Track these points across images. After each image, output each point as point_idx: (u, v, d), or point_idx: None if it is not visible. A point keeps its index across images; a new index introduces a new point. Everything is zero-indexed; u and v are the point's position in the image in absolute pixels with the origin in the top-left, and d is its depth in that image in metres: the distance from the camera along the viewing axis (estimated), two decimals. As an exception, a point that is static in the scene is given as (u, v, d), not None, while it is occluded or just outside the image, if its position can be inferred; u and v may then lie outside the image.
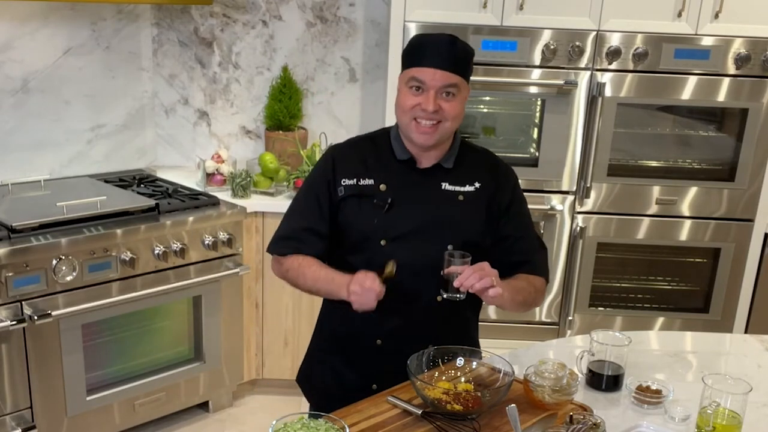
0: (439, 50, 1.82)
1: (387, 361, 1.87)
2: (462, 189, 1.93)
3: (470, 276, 1.73)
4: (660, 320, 3.47)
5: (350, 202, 1.91)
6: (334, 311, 1.98)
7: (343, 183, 1.91)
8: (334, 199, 1.92)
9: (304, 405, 2.17)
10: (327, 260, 1.95)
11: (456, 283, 1.75)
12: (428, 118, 1.83)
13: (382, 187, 1.90)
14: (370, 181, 1.91)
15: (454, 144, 1.95)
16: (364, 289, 1.74)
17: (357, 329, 1.94)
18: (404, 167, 1.93)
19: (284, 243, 1.97)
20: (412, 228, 1.88)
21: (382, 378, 1.86)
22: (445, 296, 1.82)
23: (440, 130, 1.85)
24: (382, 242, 1.88)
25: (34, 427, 2.70)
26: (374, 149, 1.97)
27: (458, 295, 1.79)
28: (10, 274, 2.54)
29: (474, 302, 1.95)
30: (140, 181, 3.33)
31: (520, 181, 1.99)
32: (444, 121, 1.84)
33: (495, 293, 1.73)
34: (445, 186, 1.92)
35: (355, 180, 1.91)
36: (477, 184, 1.94)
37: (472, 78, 3.17)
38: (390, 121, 3.18)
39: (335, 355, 2.02)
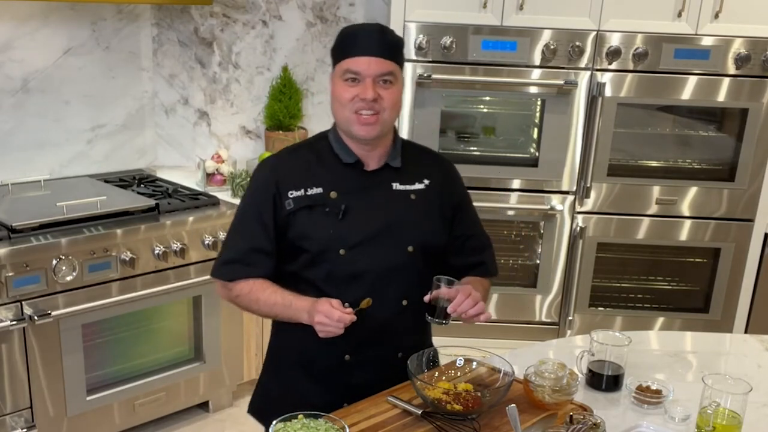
0: (370, 38, 1.78)
1: (357, 375, 1.83)
2: (412, 188, 1.88)
3: (463, 302, 1.74)
4: (660, 320, 3.47)
5: (301, 215, 1.81)
6: (294, 332, 1.86)
7: (290, 195, 1.81)
8: (281, 214, 1.81)
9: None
10: (279, 279, 1.86)
11: (450, 310, 1.74)
12: (369, 107, 1.76)
13: (333, 194, 1.81)
14: (319, 190, 1.81)
15: (397, 141, 1.90)
16: (332, 321, 1.67)
17: (322, 347, 1.82)
18: (351, 171, 1.84)
19: (230, 267, 1.86)
20: (369, 233, 1.81)
21: (353, 394, 1.78)
22: (428, 320, 1.80)
23: (381, 120, 1.78)
24: (341, 251, 1.79)
25: (34, 427, 2.70)
26: (316, 156, 1.87)
27: (444, 321, 1.78)
28: (10, 274, 2.53)
29: (426, 304, 1.91)
30: (140, 181, 3.33)
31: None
32: (383, 111, 1.78)
33: (486, 318, 1.77)
34: (396, 186, 1.87)
35: (302, 191, 1.81)
36: (426, 182, 1.90)
37: (472, 78, 3.18)
38: (390, 121, 3.18)
39: (298, 379, 1.90)
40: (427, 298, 1.80)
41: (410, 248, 1.84)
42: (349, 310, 1.69)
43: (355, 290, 1.78)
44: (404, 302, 1.85)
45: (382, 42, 1.78)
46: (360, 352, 1.84)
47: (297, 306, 1.76)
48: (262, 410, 1.98)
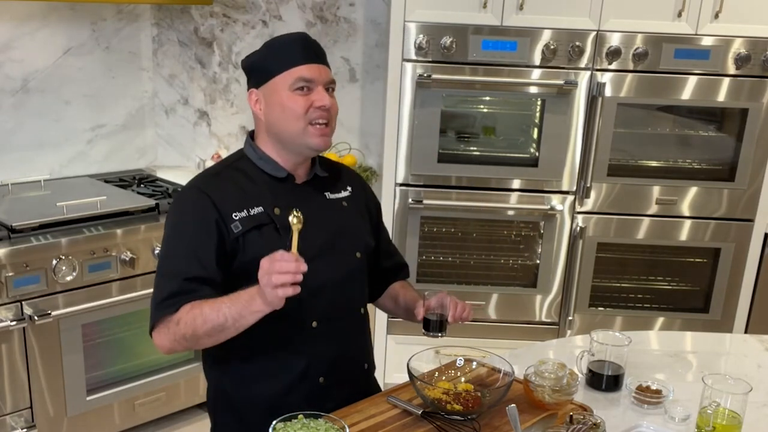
0: (310, 47, 1.75)
1: (329, 398, 1.76)
2: (341, 195, 1.88)
3: (458, 309, 1.82)
4: (660, 320, 3.47)
5: (250, 236, 1.69)
6: (259, 373, 1.75)
7: (235, 217, 1.69)
8: (227, 239, 1.68)
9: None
10: None
11: (451, 320, 1.81)
12: (324, 116, 1.72)
13: (276, 210, 1.73)
14: (260, 209, 1.72)
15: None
16: (284, 264, 1.49)
17: (295, 378, 1.75)
18: (285, 185, 1.78)
19: (170, 302, 1.65)
20: (321, 245, 1.76)
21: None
22: (426, 335, 1.84)
23: (331, 128, 1.76)
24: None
25: (34, 427, 2.70)
26: (242, 175, 1.77)
27: (441, 333, 1.83)
28: (10, 274, 2.54)
29: (367, 313, 1.95)
30: (140, 181, 3.33)
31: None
32: (331, 120, 1.75)
33: (471, 314, 1.85)
34: (329, 195, 1.86)
35: (245, 212, 1.71)
36: (349, 188, 1.91)
37: (472, 78, 3.19)
38: (391, 121, 3.18)
39: (269, 417, 1.56)
40: (420, 314, 1.83)
41: (358, 254, 1.86)
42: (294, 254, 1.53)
43: (317, 303, 1.74)
44: (362, 311, 1.88)
45: (319, 50, 1.78)
46: (334, 371, 1.80)
47: (244, 297, 1.58)
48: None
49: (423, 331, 1.83)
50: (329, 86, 1.76)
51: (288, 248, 1.55)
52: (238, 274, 1.70)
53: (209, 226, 1.68)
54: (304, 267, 1.52)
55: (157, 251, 2.87)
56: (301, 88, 1.72)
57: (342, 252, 1.82)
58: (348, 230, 1.85)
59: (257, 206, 1.73)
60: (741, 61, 3.11)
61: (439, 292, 1.84)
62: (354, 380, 1.87)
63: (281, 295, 1.51)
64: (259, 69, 1.76)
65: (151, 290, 2.87)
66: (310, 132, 1.72)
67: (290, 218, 1.59)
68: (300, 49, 1.73)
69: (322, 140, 1.74)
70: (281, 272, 1.50)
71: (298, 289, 1.52)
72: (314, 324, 1.73)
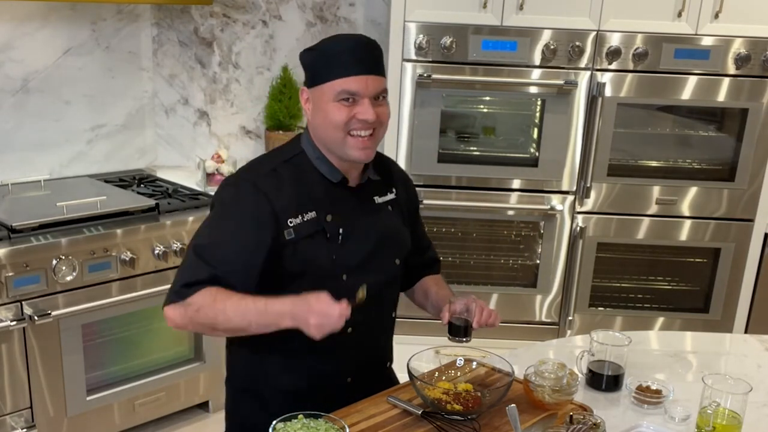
0: (361, 55, 1.67)
1: (355, 394, 1.76)
2: (387, 198, 1.86)
3: (484, 315, 1.79)
4: (660, 320, 3.47)
5: (302, 244, 1.68)
6: (286, 365, 1.76)
7: (290, 224, 1.68)
8: (279, 242, 1.67)
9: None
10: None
11: (476, 325, 1.79)
12: (367, 128, 1.68)
13: (329, 217, 1.72)
14: (313, 214, 1.70)
15: None
16: (332, 318, 1.53)
17: (323, 376, 1.76)
18: (339, 190, 1.76)
19: (196, 289, 1.62)
20: (366, 253, 1.76)
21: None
22: (451, 339, 1.83)
23: (376, 139, 1.71)
24: (344, 277, 1.72)
25: (34, 427, 2.70)
26: (299, 174, 1.74)
27: (466, 339, 1.82)
28: (10, 274, 2.53)
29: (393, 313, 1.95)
30: (140, 181, 3.33)
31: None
32: (379, 128, 1.71)
33: (498, 321, 1.82)
34: (377, 199, 1.84)
35: (300, 217, 1.69)
36: (394, 190, 1.89)
37: (472, 78, 3.19)
38: (391, 121, 3.17)
39: (292, 410, 1.62)
40: (445, 319, 1.82)
41: (397, 261, 1.86)
42: (346, 305, 1.56)
43: (356, 313, 1.70)
44: (393, 314, 1.89)
45: (372, 57, 1.69)
46: (362, 373, 1.83)
47: (274, 310, 1.58)
48: None
49: (448, 335, 1.82)
50: (379, 95, 1.70)
51: (340, 297, 1.56)
52: (279, 275, 1.69)
53: (263, 231, 1.66)
54: (347, 315, 1.54)
55: (156, 251, 2.87)
56: (346, 99, 1.67)
57: (383, 260, 1.81)
58: (390, 237, 1.84)
59: (311, 211, 1.71)
60: (741, 61, 3.11)
61: (467, 296, 1.82)
62: (378, 378, 1.89)
63: (318, 336, 1.54)
64: (311, 71, 1.72)
65: (151, 290, 2.91)
66: (350, 143, 1.69)
67: (359, 292, 1.61)
68: (349, 59, 1.66)
69: (363, 153, 1.70)
70: (328, 317, 1.52)
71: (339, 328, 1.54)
72: (349, 330, 1.69)
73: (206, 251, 1.66)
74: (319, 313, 1.53)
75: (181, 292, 1.63)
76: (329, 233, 1.71)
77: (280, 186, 1.70)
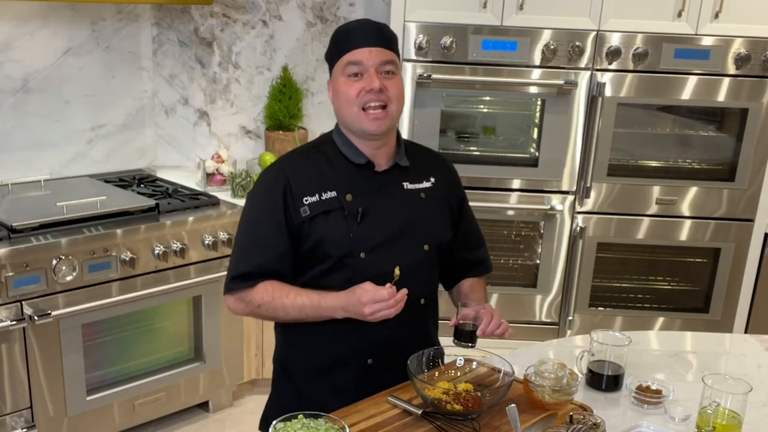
0: (367, 30, 1.77)
1: (379, 380, 1.80)
2: (421, 186, 1.89)
3: (491, 324, 1.78)
4: (660, 320, 3.47)
5: (318, 221, 1.77)
6: (311, 342, 1.86)
7: (305, 201, 1.77)
8: (295, 221, 1.77)
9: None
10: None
11: (479, 333, 1.79)
12: (376, 99, 1.74)
13: (348, 197, 1.78)
14: (333, 193, 1.78)
15: (400, 140, 1.90)
16: (387, 304, 1.65)
17: (344, 354, 1.83)
18: (363, 172, 1.82)
19: (247, 282, 1.80)
20: (388, 235, 1.80)
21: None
22: (456, 343, 1.82)
23: (389, 113, 1.77)
24: (362, 255, 1.78)
25: (34, 427, 2.70)
26: (325, 158, 1.84)
27: (471, 344, 1.82)
28: (10, 274, 2.53)
29: (435, 302, 1.96)
30: (140, 181, 3.33)
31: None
32: (390, 102, 1.76)
33: (509, 334, 1.81)
34: (407, 185, 1.87)
35: (317, 196, 1.78)
36: (432, 179, 1.91)
37: (472, 78, 3.18)
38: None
39: (319, 389, 1.86)
40: (453, 322, 1.83)
41: (426, 247, 1.86)
42: (390, 286, 1.67)
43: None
44: (422, 301, 1.87)
45: (378, 32, 1.78)
46: (383, 355, 1.84)
47: (327, 305, 1.74)
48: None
49: (453, 339, 1.82)
50: (385, 69, 1.76)
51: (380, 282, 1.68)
52: (304, 257, 1.80)
53: (280, 209, 1.77)
54: (399, 297, 1.67)
55: (156, 251, 2.87)
56: (355, 74, 1.75)
57: (408, 244, 1.83)
58: (420, 222, 1.85)
59: (331, 191, 1.79)
60: (741, 61, 3.11)
61: (483, 304, 1.84)
62: (399, 363, 1.83)
63: (376, 320, 1.68)
64: (328, 60, 1.84)
65: (151, 290, 2.93)
66: (362, 117, 1.76)
67: (394, 272, 1.70)
68: (355, 35, 1.77)
69: (376, 124, 1.76)
70: (381, 303, 1.65)
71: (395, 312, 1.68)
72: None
73: (245, 240, 1.82)
74: (370, 302, 1.66)
75: (232, 285, 1.80)
76: (348, 211, 1.78)
77: (302, 167, 1.82)
